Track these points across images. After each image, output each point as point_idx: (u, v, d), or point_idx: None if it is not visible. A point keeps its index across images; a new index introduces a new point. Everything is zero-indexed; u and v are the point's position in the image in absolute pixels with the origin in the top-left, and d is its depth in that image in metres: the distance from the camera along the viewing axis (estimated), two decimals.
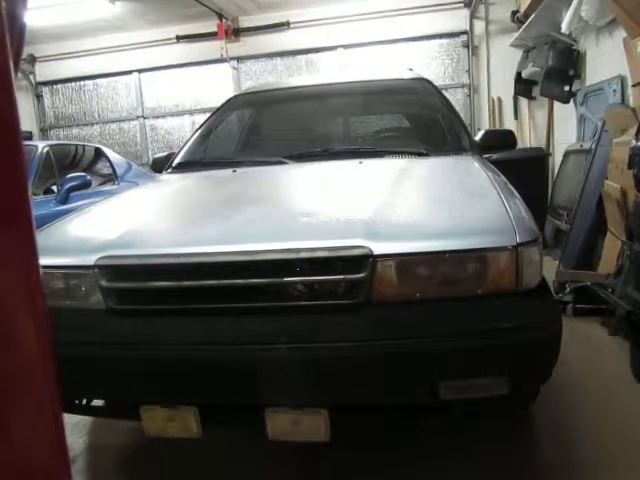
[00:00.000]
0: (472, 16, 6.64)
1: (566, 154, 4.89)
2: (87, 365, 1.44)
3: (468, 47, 6.70)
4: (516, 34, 5.98)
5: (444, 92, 3.14)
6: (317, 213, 1.64)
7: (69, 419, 2.05)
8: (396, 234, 1.44)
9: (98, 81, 7.84)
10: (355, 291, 1.39)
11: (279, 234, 1.49)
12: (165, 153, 2.95)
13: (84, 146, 5.36)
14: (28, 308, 0.46)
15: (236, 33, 7.18)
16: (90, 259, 1.51)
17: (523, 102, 6.50)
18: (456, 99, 6.65)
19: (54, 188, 4.22)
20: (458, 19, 6.67)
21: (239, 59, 7.35)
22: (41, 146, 4.33)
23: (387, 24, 6.74)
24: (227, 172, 2.36)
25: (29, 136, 7.50)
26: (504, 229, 1.41)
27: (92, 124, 7.98)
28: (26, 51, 7.55)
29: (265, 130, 3.29)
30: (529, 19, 5.39)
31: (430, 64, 6.82)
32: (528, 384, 1.49)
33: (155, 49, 7.40)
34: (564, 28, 4.45)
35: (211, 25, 7.05)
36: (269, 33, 7.10)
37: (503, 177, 1.95)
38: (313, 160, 2.37)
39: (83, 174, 4.35)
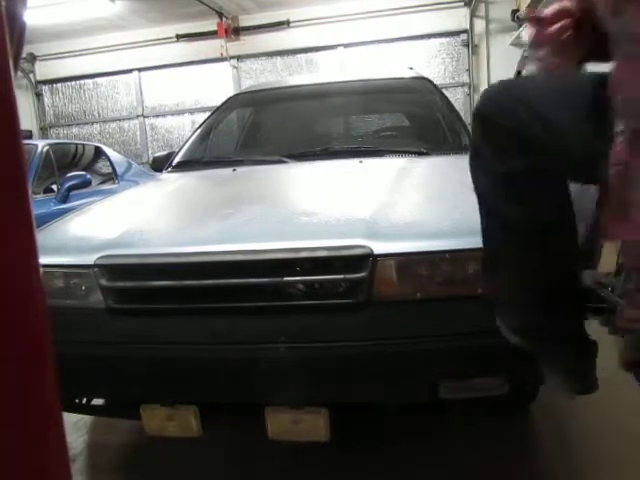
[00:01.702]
0: (472, 15, 6.65)
1: None
2: (87, 364, 1.44)
3: (468, 46, 6.70)
4: (516, 33, 5.98)
5: (444, 91, 3.14)
6: (317, 212, 1.64)
7: (69, 418, 2.05)
8: (396, 233, 1.44)
9: (98, 80, 7.85)
10: (355, 290, 1.39)
11: (279, 233, 1.49)
12: (165, 152, 2.94)
13: (84, 145, 5.36)
14: (28, 307, 0.46)
15: (236, 32, 7.18)
16: (90, 258, 1.51)
17: None
18: (456, 98, 6.65)
19: (54, 187, 4.21)
20: (458, 18, 6.67)
21: (239, 58, 7.36)
22: (41, 145, 4.33)
23: (387, 23, 6.74)
24: (227, 171, 2.36)
25: (29, 135, 7.50)
26: None
27: (92, 123, 7.99)
28: (26, 50, 7.54)
29: (265, 129, 3.29)
30: None
31: (430, 63, 6.82)
32: (528, 383, 1.49)
33: (155, 48, 7.41)
34: None
35: (211, 24, 7.06)
36: (269, 32, 7.10)
37: None
38: (313, 159, 2.37)
39: (83, 173, 4.35)
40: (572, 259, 1.16)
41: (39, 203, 3.85)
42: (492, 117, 1.07)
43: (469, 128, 2.77)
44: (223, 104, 3.10)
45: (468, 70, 6.76)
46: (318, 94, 3.08)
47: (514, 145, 1.02)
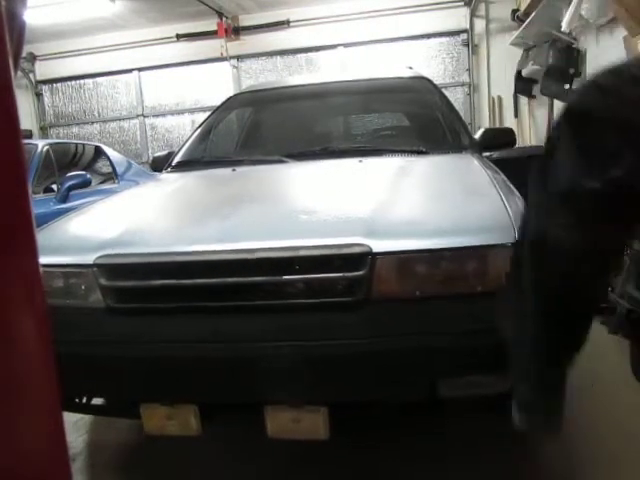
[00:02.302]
0: (472, 15, 6.64)
1: None
2: (87, 364, 1.44)
3: (468, 46, 6.70)
4: (516, 32, 5.98)
5: (444, 91, 3.14)
6: (317, 211, 1.64)
7: (69, 417, 2.05)
8: (395, 232, 1.44)
9: (98, 79, 7.84)
10: (354, 289, 1.39)
11: (278, 232, 1.49)
12: (165, 152, 2.94)
13: (84, 145, 5.35)
14: (28, 307, 0.46)
15: (236, 32, 7.18)
16: (90, 258, 1.51)
17: (523, 101, 6.50)
18: (456, 98, 6.65)
19: (54, 187, 4.21)
20: (458, 18, 6.67)
21: (239, 58, 7.35)
22: (41, 145, 4.32)
23: (387, 23, 6.74)
24: (227, 171, 2.36)
25: (29, 135, 7.50)
26: (503, 226, 1.41)
27: (92, 123, 7.98)
28: (26, 49, 7.54)
29: (265, 129, 3.29)
30: (529, 18, 5.38)
31: (430, 63, 6.82)
32: None
33: (155, 47, 7.40)
34: (564, 26, 4.45)
35: (211, 23, 7.05)
36: (269, 32, 7.09)
37: (503, 175, 1.96)
38: (313, 159, 2.37)
39: (83, 173, 4.35)
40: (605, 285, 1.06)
41: (39, 203, 3.85)
42: (601, 109, 0.87)
43: (468, 127, 2.78)
44: (223, 104, 3.10)
45: (468, 70, 6.76)
46: (318, 94, 3.07)
47: (623, 142, 0.84)
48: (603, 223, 0.88)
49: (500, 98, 6.67)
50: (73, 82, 7.95)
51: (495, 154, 2.71)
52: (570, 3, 4.28)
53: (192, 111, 7.56)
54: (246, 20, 7.15)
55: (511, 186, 1.78)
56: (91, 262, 1.50)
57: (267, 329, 1.37)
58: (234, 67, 7.37)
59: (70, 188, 4.14)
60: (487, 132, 2.57)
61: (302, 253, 1.40)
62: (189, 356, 1.39)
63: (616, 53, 3.91)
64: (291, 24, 7.03)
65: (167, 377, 1.42)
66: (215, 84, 7.37)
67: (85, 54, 7.62)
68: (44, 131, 8.08)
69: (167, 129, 7.74)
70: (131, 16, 6.82)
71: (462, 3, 6.61)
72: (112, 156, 5.22)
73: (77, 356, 1.39)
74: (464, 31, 6.69)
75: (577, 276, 0.94)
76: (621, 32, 3.74)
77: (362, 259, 1.38)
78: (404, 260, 1.40)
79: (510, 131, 2.61)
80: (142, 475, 1.90)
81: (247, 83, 7.04)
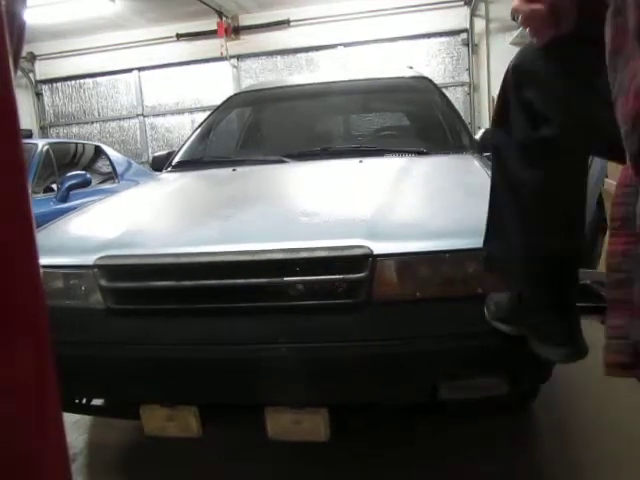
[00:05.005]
0: (472, 14, 6.64)
1: None
2: (87, 365, 1.44)
3: (468, 45, 6.69)
4: (516, 32, 5.98)
5: (444, 90, 3.14)
6: (317, 213, 1.64)
7: (69, 417, 2.05)
8: (396, 234, 1.44)
9: (98, 79, 7.84)
10: (355, 291, 1.39)
11: (279, 234, 1.49)
12: (165, 152, 2.94)
13: (84, 144, 5.35)
14: (28, 307, 0.46)
15: (236, 31, 7.18)
16: (90, 259, 1.51)
17: None
18: (456, 97, 6.65)
19: (54, 186, 4.21)
20: (458, 17, 6.67)
21: (239, 57, 7.35)
22: (41, 144, 4.32)
23: (387, 22, 6.74)
24: (227, 171, 2.36)
25: (29, 134, 7.50)
26: None
27: (92, 122, 7.99)
28: (26, 49, 7.54)
29: (265, 128, 3.29)
30: None
31: (430, 62, 6.82)
32: (528, 384, 1.49)
33: (155, 47, 7.40)
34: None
35: (211, 23, 7.06)
36: (269, 31, 7.09)
37: None
38: (313, 159, 2.37)
39: (83, 172, 4.35)
40: (574, 235, 1.17)
41: (39, 202, 3.85)
42: (522, 79, 1.08)
43: (469, 127, 2.78)
44: (223, 104, 3.10)
45: (468, 69, 6.76)
46: (318, 93, 3.07)
47: (537, 116, 1.03)
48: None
49: None
50: (73, 82, 7.95)
51: None
52: None
53: (192, 111, 7.56)
54: (246, 20, 7.15)
55: None
56: (91, 263, 1.50)
57: (267, 331, 1.36)
58: (234, 67, 7.37)
59: (70, 188, 4.14)
60: (488, 133, 2.57)
61: (303, 255, 1.39)
62: (189, 357, 1.39)
63: None
64: (291, 24, 7.03)
65: (167, 378, 1.42)
66: (215, 84, 7.37)
67: (85, 54, 7.62)
68: (44, 130, 8.08)
69: (167, 129, 7.74)
70: (131, 16, 6.83)
71: (462, 3, 6.61)
72: (112, 156, 5.22)
73: (77, 357, 1.39)
74: (464, 31, 6.69)
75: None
76: None
77: (363, 261, 1.37)
78: (405, 262, 1.39)
79: None
80: (142, 475, 1.90)
81: (247, 83, 7.04)
